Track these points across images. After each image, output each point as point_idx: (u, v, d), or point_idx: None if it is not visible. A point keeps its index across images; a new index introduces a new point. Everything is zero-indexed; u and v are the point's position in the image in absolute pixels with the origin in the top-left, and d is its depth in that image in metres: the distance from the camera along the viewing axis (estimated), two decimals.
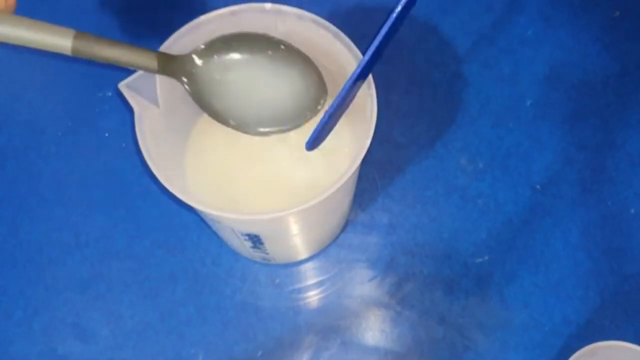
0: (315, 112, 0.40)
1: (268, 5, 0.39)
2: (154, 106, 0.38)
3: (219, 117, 0.39)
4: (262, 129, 0.40)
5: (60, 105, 0.53)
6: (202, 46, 0.38)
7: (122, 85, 0.36)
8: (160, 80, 0.38)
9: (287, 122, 0.40)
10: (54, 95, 0.54)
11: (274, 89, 0.40)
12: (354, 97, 0.39)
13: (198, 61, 0.38)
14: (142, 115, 0.37)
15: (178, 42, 0.38)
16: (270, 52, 0.39)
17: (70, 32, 0.34)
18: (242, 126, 0.40)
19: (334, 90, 0.44)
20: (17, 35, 0.33)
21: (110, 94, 0.53)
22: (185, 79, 0.38)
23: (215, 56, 0.38)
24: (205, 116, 0.40)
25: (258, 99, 0.40)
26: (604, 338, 0.41)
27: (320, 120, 0.37)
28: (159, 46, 0.38)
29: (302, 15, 0.39)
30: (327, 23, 0.39)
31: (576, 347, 0.41)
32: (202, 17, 0.39)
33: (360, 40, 0.38)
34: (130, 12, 0.56)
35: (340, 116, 0.39)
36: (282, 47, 0.39)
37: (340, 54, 0.39)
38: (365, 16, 0.55)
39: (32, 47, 0.33)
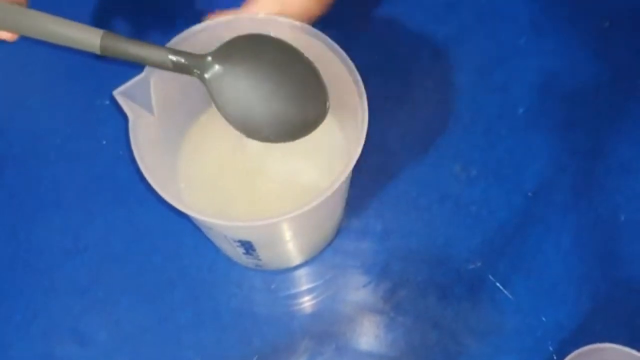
0: (323, 117, 0.38)
1: (262, 14, 0.39)
2: (148, 113, 0.38)
3: (230, 120, 0.38)
4: (271, 137, 0.38)
5: (59, 113, 0.54)
6: (217, 48, 0.37)
7: (117, 93, 0.36)
8: (155, 88, 0.38)
9: (295, 133, 0.38)
10: (53, 103, 0.55)
11: (282, 96, 0.38)
12: None
13: (212, 63, 0.37)
14: (137, 123, 0.37)
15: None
16: (278, 58, 0.37)
17: (99, 32, 0.35)
18: (250, 134, 0.38)
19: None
20: (48, 30, 0.35)
21: (107, 102, 0.54)
22: (198, 77, 0.37)
23: (227, 61, 0.37)
24: (199, 123, 0.39)
25: (266, 106, 0.38)
26: (595, 342, 0.41)
27: None
28: None
29: (294, 25, 0.39)
30: (319, 32, 0.39)
31: (568, 351, 0.41)
32: (197, 26, 0.39)
33: (353, 50, 0.39)
34: (126, 21, 0.57)
35: None
36: (290, 52, 0.37)
37: (333, 63, 0.39)
38: (358, 26, 0.55)
39: (62, 43, 0.35)
